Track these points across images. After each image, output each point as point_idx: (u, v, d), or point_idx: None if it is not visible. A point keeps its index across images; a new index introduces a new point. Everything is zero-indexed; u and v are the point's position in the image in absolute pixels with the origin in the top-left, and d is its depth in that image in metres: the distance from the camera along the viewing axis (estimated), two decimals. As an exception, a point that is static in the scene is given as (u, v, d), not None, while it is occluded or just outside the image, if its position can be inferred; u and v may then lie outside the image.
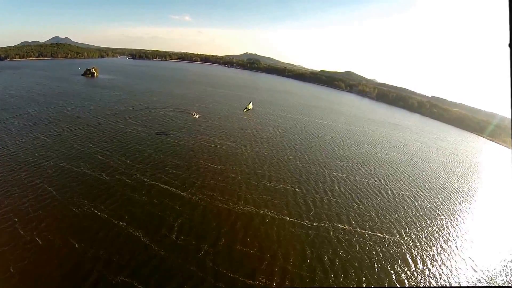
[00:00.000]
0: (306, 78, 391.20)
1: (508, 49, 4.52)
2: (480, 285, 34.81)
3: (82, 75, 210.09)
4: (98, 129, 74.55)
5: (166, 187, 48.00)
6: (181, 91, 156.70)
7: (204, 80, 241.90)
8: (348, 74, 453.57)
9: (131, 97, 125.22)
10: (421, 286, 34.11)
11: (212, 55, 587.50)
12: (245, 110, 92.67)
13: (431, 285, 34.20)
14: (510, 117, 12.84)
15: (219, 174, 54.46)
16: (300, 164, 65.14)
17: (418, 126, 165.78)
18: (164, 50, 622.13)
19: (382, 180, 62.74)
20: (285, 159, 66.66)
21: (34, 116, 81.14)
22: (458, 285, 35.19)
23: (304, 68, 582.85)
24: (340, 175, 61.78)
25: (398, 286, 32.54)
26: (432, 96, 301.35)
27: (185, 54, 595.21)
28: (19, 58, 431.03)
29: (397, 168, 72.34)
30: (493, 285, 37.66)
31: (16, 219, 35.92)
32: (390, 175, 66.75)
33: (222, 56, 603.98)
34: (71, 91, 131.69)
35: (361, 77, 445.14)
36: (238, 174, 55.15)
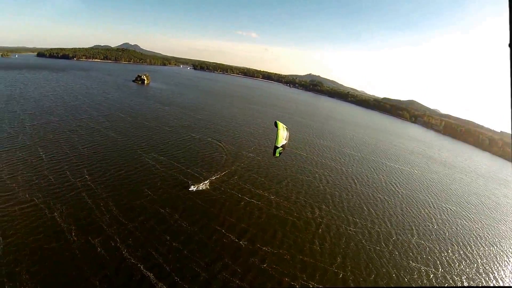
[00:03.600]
0: (369, 105, 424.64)
1: (508, 49, 5.57)
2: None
3: (133, 81, 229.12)
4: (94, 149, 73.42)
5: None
6: (229, 112, 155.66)
7: (261, 99, 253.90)
8: (411, 103, 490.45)
9: (170, 112, 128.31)
10: (421, 286, 39.66)
11: (275, 73, 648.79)
12: (278, 152, 51.68)
13: (431, 285, 40.15)
14: (510, 117, 7.43)
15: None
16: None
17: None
18: (227, 63, 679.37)
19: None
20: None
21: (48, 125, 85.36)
22: (458, 285, 40.99)
23: (366, 94, 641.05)
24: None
25: (398, 286, 37.19)
26: (501, 131, 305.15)
27: (248, 69, 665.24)
28: (85, 58, 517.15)
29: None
30: (493, 285, 44.86)
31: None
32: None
33: (285, 75, 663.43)
34: (112, 97, 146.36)
35: (424, 107, 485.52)
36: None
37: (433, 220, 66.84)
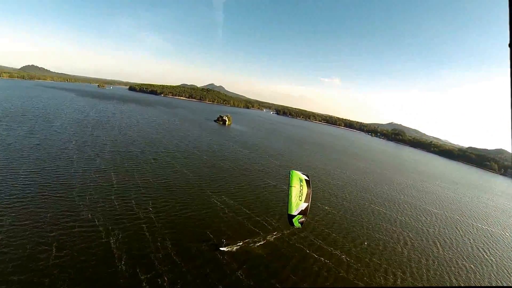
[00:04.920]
0: (454, 155, 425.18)
1: (508, 49, 5.67)
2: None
3: (215, 121, 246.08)
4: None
5: None
6: (309, 160, 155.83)
7: (342, 148, 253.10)
8: (500, 152, 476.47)
9: (247, 155, 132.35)
10: (420, 286, 45.43)
11: (357, 122, 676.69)
12: (297, 222, 39.09)
13: (431, 285, 45.76)
14: (510, 117, 7.11)
15: None
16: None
17: None
18: (309, 110, 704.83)
19: None
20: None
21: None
22: (458, 285, 46.39)
23: (450, 143, 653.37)
24: None
25: (398, 286, 42.44)
26: None
27: (330, 117, 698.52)
28: (172, 95, 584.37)
29: None
30: (493, 285, 50.28)
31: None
32: None
33: (366, 123, 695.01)
34: (191, 135, 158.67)
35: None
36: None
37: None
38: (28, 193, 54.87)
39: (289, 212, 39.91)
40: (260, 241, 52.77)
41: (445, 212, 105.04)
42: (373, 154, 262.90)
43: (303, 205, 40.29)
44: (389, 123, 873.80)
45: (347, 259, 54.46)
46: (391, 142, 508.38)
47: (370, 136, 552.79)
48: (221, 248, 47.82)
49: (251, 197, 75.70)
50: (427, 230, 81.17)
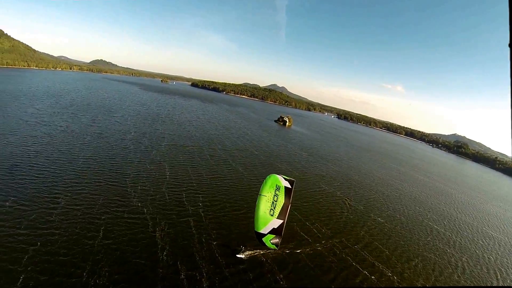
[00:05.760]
0: None
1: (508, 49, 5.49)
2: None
3: (275, 121, 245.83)
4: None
5: None
6: (367, 168, 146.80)
7: (402, 158, 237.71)
8: None
9: (305, 158, 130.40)
10: (420, 286, 44.76)
11: (418, 131, 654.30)
12: (269, 242, 35.65)
13: (432, 285, 44.97)
14: (510, 118, 7.41)
15: None
16: None
17: None
18: (370, 115, 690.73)
19: None
20: None
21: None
22: (458, 285, 45.71)
23: None
24: None
25: (398, 286, 41.70)
26: None
27: (391, 124, 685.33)
28: (233, 94, 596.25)
29: None
30: (493, 285, 50.07)
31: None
32: None
33: (428, 133, 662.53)
34: (251, 134, 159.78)
35: None
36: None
37: None
38: (84, 178, 57.80)
39: (255, 229, 33.35)
40: (307, 249, 50.44)
41: (508, 238, 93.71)
42: (433, 166, 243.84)
43: (276, 222, 32.49)
44: (452, 134, 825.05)
45: (399, 281, 50.75)
46: (452, 154, 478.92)
47: (431, 147, 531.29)
48: (238, 255, 41.65)
49: (305, 202, 73.00)
50: (488, 257, 73.02)
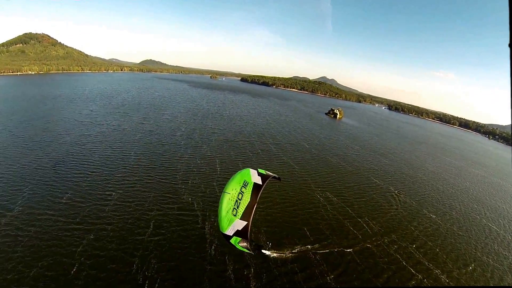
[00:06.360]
0: None
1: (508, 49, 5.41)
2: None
3: (326, 114, 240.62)
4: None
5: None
6: (420, 161, 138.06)
7: (455, 151, 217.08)
8: None
9: (357, 152, 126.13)
10: (420, 286, 41.99)
11: (473, 121, 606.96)
12: (237, 244, 30.37)
13: (431, 285, 42.45)
14: (510, 117, 6.82)
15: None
16: None
17: None
18: (421, 106, 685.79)
19: None
20: None
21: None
22: (458, 285, 43.99)
23: None
24: None
25: (398, 286, 39.60)
26: None
27: (444, 115, 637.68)
28: (283, 87, 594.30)
29: None
30: (493, 285, 46.93)
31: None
32: None
33: (484, 123, 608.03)
34: (301, 127, 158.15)
35: None
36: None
37: None
38: (136, 173, 60.11)
39: (220, 230, 30.03)
40: (357, 246, 48.63)
41: None
42: (490, 160, 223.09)
43: (239, 224, 28.67)
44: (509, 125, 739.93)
45: (448, 282, 46.98)
46: (510, 146, 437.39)
47: (487, 138, 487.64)
48: (263, 251, 39.47)
49: (356, 196, 70.22)
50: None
